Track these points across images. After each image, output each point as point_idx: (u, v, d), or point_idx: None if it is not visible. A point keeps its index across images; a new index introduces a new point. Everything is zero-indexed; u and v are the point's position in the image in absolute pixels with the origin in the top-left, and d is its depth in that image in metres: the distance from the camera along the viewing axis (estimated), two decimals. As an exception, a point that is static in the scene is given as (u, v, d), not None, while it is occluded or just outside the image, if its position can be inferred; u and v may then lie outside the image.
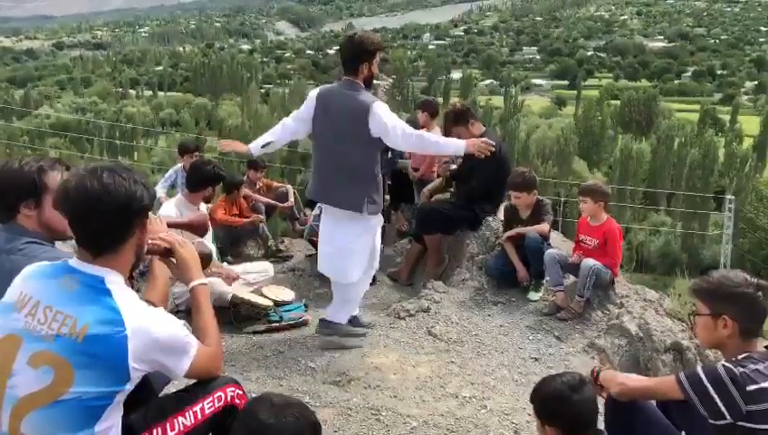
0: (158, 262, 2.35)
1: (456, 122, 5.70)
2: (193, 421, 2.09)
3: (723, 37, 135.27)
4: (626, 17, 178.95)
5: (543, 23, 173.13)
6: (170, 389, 2.26)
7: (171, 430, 2.05)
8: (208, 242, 4.99)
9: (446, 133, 6.36)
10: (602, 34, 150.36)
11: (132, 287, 2.06)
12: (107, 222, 1.94)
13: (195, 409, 2.10)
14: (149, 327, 1.91)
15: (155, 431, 2.03)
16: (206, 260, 2.49)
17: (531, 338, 4.80)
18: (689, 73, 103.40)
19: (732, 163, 44.58)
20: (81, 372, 1.82)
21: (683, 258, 33.27)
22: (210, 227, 5.27)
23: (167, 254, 2.31)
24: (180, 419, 2.07)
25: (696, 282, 2.61)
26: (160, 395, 2.21)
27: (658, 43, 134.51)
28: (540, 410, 2.48)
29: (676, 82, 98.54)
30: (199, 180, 5.06)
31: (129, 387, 1.90)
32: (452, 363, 4.32)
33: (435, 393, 3.91)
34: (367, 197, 4.20)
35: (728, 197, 30.80)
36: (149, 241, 2.20)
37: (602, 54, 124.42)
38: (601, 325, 4.87)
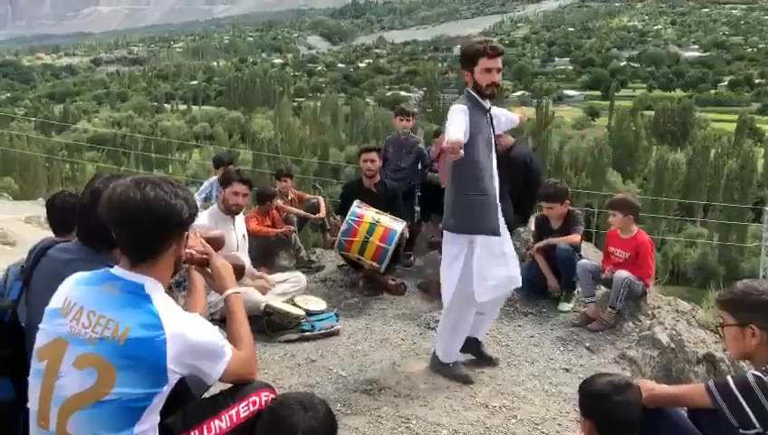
0: (196, 274, 2.43)
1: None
2: (228, 424, 2.14)
3: (761, 46, 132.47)
4: (659, 27, 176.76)
5: (575, 33, 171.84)
6: (207, 394, 2.32)
7: (208, 433, 2.11)
8: (243, 254, 5.12)
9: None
10: (635, 44, 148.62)
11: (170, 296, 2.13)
12: (144, 232, 2.01)
13: (230, 412, 2.16)
14: (187, 332, 1.99)
15: (192, 434, 2.09)
16: (239, 272, 2.57)
17: (561, 349, 4.80)
18: (725, 83, 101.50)
19: (772, 174, 43.62)
20: (123, 373, 1.90)
21: (720, 271, 32.55)
22: (246, 239, 5.42)
23: (203, 263, 2.40)
24: (216, 422, 2.13)
25: (721, 293, 2.63)
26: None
27: (693, 53, 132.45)
28: (582, 402, 2.54)
29: (712, 91, 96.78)
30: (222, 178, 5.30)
31: (167, 389, 1.97)
32: (482, 373, 4.33)
33: (465, 403, 3.93)
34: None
35: (767, 208, 30.13)
36: (188, 251, 2.27)
37: (636, 64, 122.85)
38: (633, 336, 4.85)
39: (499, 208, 4.09)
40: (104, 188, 2.36)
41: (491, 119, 4.05)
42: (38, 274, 2.37)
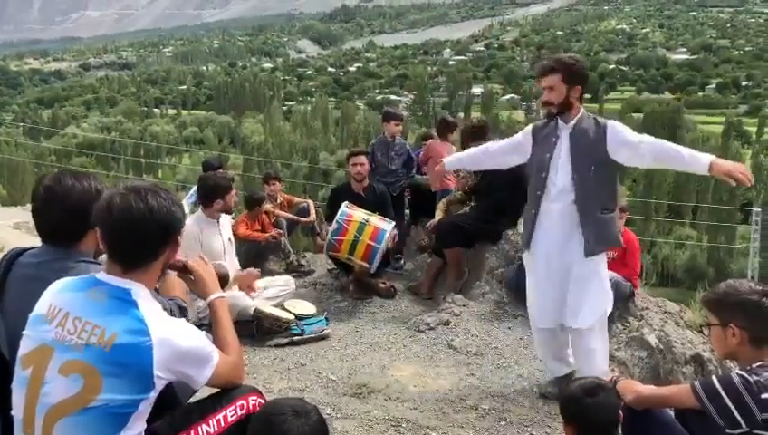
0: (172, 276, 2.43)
1: (473, 138, 5.77)
2: (216, 429, 2.14)
3: (747, 48, 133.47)
4: (648, 30, 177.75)
5: (564, 37, 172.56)
6: (194, 398, 2.30)
7: None
8: (231, 258, 5.11)
9: (464, 148, 6.41)
10: (624, 48, 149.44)
11: None
12: (147, 240, 2.03)
13: (218, 417, 2.15)
14: (173, 338, 1.98)
15: None
16: (222, 280, 2.56)
17: (551, 351, 4.79)
18: (713, 85, 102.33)
19: (759, 175, 44.00)
20: (109, 380, 1.89)
21: (709, 272, 32.79)
22: (233, 243, 5.40)
23: (184, 270, 2.39)
24: (204, 426, 2.12)
25: (705, 294, 2.68)
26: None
27: (681, 56, 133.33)
28: (560, 408, 2.58)
29: (699, 94, 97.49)
30: (205, 194, 5.17)
31: (153, 395, 1.96)
32: (472, 376, 4.34)
33: (454, 406, 3.93)
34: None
35: (755, 209, 30.40)
36: None
37: (624, 68, 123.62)
38: (621, 338, 4.86)
39: (550, 230, 3.78)
40: (55, 186, 2.36)
41: (570, 135, 3.77)
42: (11, 282, 2.34)
